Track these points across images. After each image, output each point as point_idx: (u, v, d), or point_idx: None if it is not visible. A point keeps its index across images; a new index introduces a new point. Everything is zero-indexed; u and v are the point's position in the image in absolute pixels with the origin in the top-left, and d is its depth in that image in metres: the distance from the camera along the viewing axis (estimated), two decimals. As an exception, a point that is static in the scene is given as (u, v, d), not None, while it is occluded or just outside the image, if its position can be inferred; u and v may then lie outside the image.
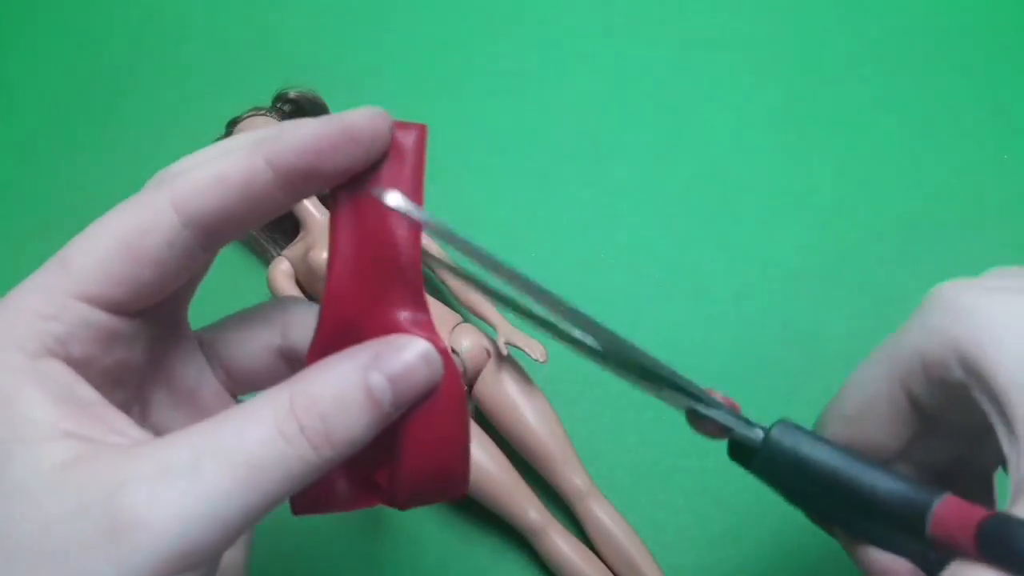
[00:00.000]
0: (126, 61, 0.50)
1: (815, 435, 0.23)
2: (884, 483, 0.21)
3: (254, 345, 0.23)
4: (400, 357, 0.19)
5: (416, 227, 0.20)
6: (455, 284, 0.39)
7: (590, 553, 0.35)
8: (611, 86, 0.49)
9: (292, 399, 0.17)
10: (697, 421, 0.24)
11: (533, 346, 0.37)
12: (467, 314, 0.40)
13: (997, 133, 0.47)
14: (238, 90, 0.47)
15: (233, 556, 0.22)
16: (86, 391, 0.18)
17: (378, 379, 0.18)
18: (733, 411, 0.23)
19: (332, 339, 0.20)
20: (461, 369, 0.20)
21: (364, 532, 0.37)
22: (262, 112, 0.42)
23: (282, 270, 0.40)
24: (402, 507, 0.21)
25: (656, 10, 0.52)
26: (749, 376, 0.40)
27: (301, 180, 0.19)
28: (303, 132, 0.18)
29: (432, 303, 0.39)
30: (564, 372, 0.41)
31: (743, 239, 0.44)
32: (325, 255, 0.38)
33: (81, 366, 0.18)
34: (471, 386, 0.38)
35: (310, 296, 0.39)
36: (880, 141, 0.47)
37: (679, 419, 0.40)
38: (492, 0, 0.52)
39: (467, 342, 0.37)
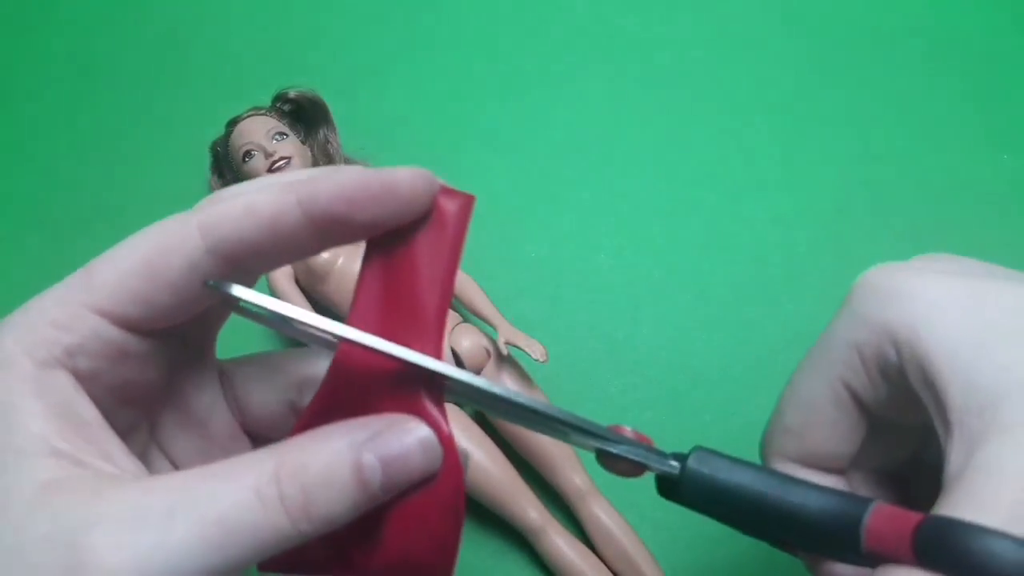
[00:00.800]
0: (125, 61, 0.50)
1: (733, 459, 0.21)
2: (812, 500, 0.20)
3: (269, 395, 0.22)
4: (399, 440, 0.18)
5: (447, 294, 0.19)
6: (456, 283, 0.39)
7: (590, 553, 0.35)
8: (611, 86, 0.49)
9: (278, 465, 0.17)
10: (608, 461, 0.22)
11: (533, 346, 0.37)
12: (467, 314, 0.40)
13: (997, 133, 0.47)
14: (238, 90, 0.47)
15: None
16: (86, 409, 0.18)
17: (371, 460, 0.17)
18: (645, 446, 0.22)
19: (333, 401, 0.19)
20: (465, 467, 0.19)
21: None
22: (262, 112, 0.42)
23: (282, 271, 0.40)
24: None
25: (656, 10, 0.52)
26: (749, 376, 0.40)
27: (330, 225, 0.18)
28: (339, 179, 0.18)
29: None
30: (564, 372, 0.41)
31: (743, 239, 0.44)
32: (326, 255, 0.38)
33: (87, 380, 0.18)
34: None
35: (309, 296, 0.39)
36: (880, 141, 0.47)
37: (679, 419, 0.40)
38: (493, 0, 0.52)
39: (467, 342, 0.37)
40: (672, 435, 0.40)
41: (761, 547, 0.38)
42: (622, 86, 0.49)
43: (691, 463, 0.21)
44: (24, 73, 0.50)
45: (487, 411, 0.21)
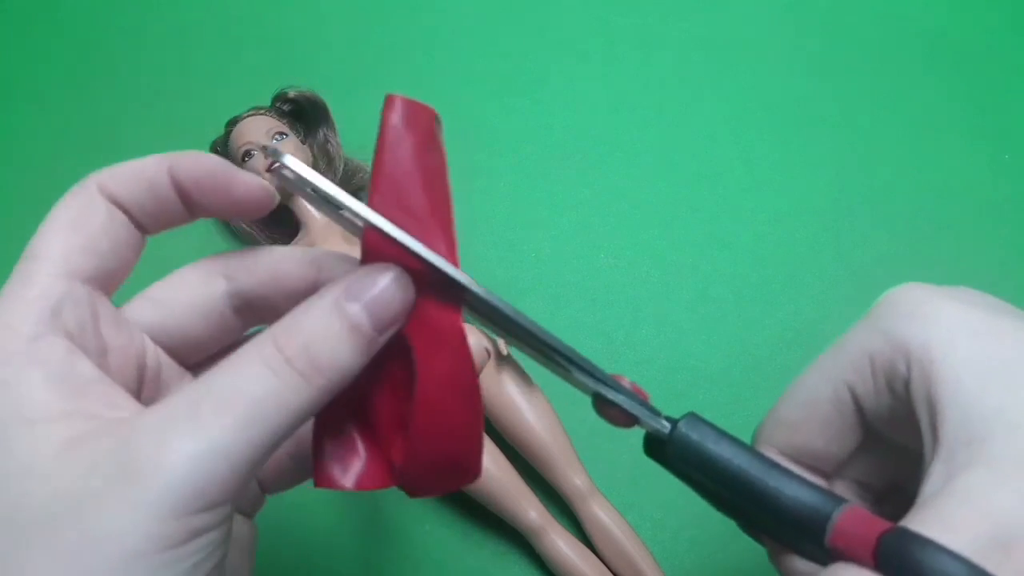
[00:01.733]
0: (125, 61, 0.50)
1: (723, 432, 0.22)
2: (789, 487, 0.20)
3: (193, 310, 0.22)
4: (373, 281, 0.19)
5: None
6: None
7: (590, 553, 0.35)
8: (611, 86, 0.49)
9: (274, 338, 0.18)
10: (603, 407, 0.23)
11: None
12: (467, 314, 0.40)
13: (998, 133, 0.47)
14: (238, 90, 0.47)
15: (236, 561, 0.22)
16: (85, 367, 0.19)
17: (354, 307, 0.19)
18: (641, 400, 0.22)
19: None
20: (478, 360, 0.20)
21: (363, 533, 0.37)
22: (262, 112, 0.42)
23: None
24: (411, 492, 0.21)
25: (656, 11, 0.52)
26: (749, 376, 0.40)
27: (186, 198, 0.21)
28: (200, 161, 0.21)
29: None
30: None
31: (743, 239, 0.44)
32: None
33: (80, 340, 0.19)
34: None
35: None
36: (880, 141, 0.47)
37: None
38: (493, 0, 0.52)
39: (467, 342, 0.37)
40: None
41: (761, 548, 0.38)
42: (622, 86, 0.49)
43: (682, 426, 0.22)
44: (24, 73, 0.50)
45: (496, 329, 0.22)
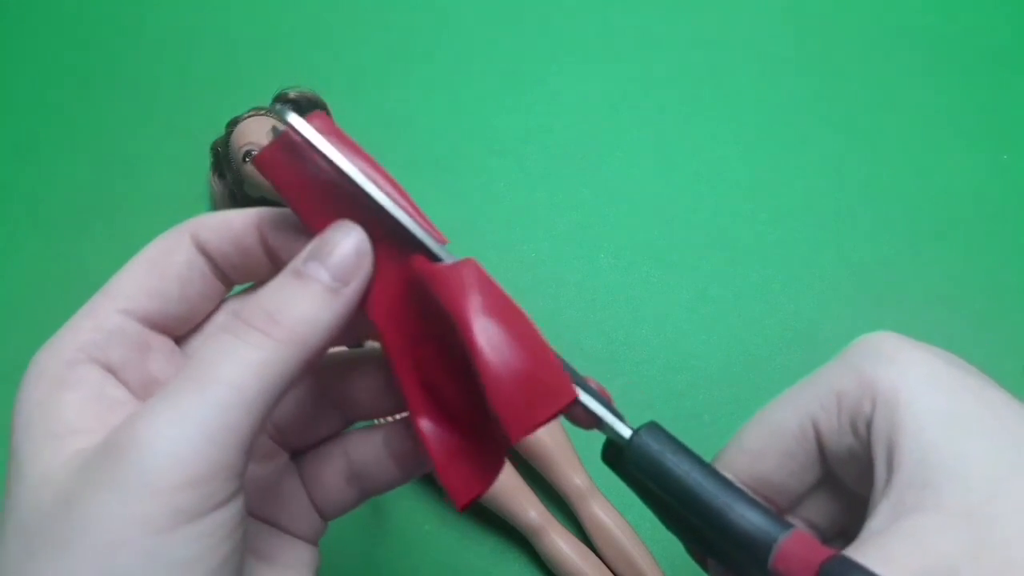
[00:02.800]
0: (126, 61, 0.50)
1: (682, 445, 0.22)
2: (739, 506, 0.20)
3: (175, 281, 0.22)
4: (326, 240, 0.20)
5: None
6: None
7: (590, 553, 0.35)
8: (611, 86, 0.49)
9: (237, 312, 0.19)
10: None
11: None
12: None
13: (997, 134, 0.47)
14: (238, 90, 0.47)
15: None
16: (118, 392, 0.19)
17: (305, 264, 0.19)
18: (606, 402, 0.22)
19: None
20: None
21: (364, 534, 0.37)
22: (262, 112, 0.42)
23: None
24: (515, 433, 0.19)
25: (656, 11, 0.52)
26: (749, 376, 0.40)
27: (286, 257, 0.21)
28: (290, 217, 0.21)
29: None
30: (564, 372, 0.41)
31: (743, 239, 0.44)
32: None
33: (120, 371, 0.20)
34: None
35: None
36: (880, 142, 0.47)
37: (679, 420, 0.40)
38: (492, 1, 0.52)
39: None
40: (673, 433, 0.40)
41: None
42: (622, 86, 0.49)
43: (642, 435, 0.21)
44: (24, 74, 0.50)
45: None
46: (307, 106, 0.43)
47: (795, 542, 0.19)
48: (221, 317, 0.22)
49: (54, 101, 0.49)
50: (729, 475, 0.23)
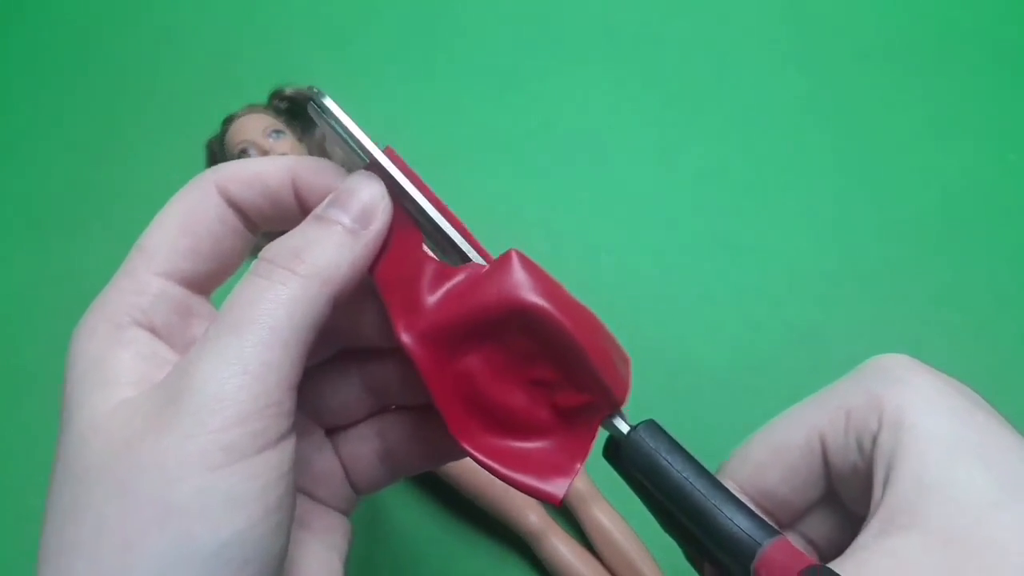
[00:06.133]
0: (122, 58, 0.50)
1: (679, 444, 0.22)
2: (727, 509, 0.21)
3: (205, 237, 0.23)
4: (345, 187, 0.21)
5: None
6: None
7: (591, 556, 0.35)
8: (611, 86, 0.49)
9: (264, 254, 0.20)
10: None
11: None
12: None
13: (1003, 133, 0.47)
14: (235, 87, 0.47)
15: (326, 554, 0.23)
16: (169, 354, 0.20)
17: (326, 209, 0.20)
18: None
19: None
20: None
21: (364, 536, 0.37)
22: (258, 109, 0.42)
23: None
24: (622, 395, 0.21)
25: (656, 11, 0.52)
26: (751, 377, 0.40)
27: (315, 204, 0.21)
28: (326, 167, 0.22)
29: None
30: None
31: (744, 240, 0.44)
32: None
33: (165, 336, 0.20)
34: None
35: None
36: (884, 142, 0.47)
37: (679, 421, 0.40)
38: (492, 0, 0.52)
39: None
40: (674, 434, 0.40)
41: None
42: (622, 86, 0.49)
43: (639, 431, 0.22)
44: (18, 72, 0.50)
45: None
46: (303, 103, 0.43)
47: (778, 549, 0.20)
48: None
49: (48, 99, 0.49)
50: (731, 484, 0.23)
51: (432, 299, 0.21)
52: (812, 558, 0.19)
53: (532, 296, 0.20)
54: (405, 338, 0.20)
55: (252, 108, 0.42)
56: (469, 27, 0.51)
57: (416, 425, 0.24)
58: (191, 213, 0.21)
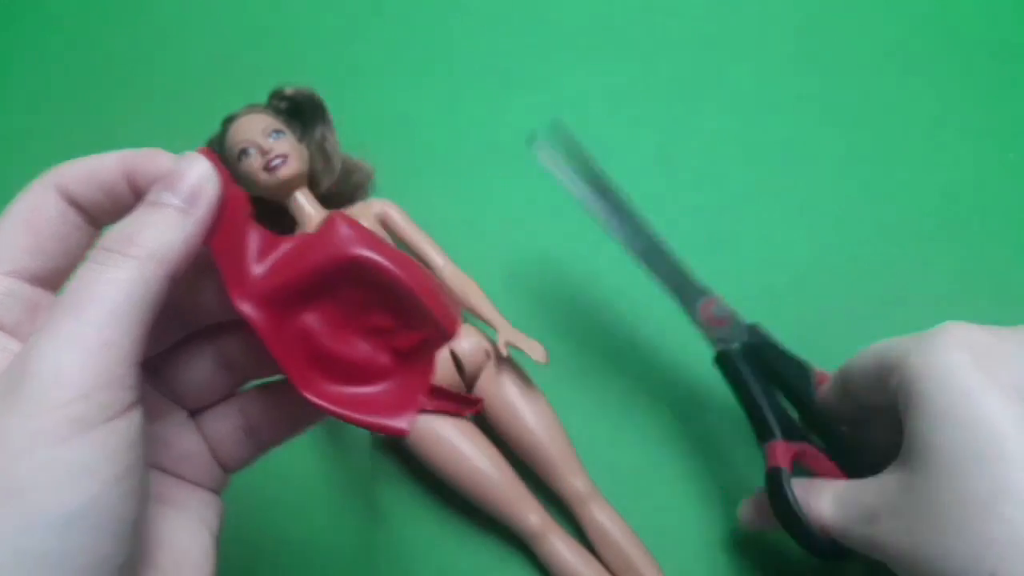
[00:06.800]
0: (122, 58, 0.50)
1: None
2: (774, 410, 0.35)
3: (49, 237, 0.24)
4: (176, 171, 0.21)
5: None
6: (453, 284, 0.39)
7: (591, 557, 0.35)
8: (611, 86, 0.49)
9: (98, 244, 0.20)
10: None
11: (534, 347, 0.36)
12: (467, 315, 0.39)
13: (1003, 132, 0.47)
14: (234, 87, 0.47)
15: (197, 534, 0.24)
16: (15, 346, 0.21)
17: (157, 193, 0.21)
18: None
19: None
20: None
21: (363, 537, 0.37)
22: (258, 109, 0.42)
23: None
24: (453, 329, 0.23)
25: (656, 10, 0.52)
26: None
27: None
28: (160, 158, 0.22)
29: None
30: (565, 374, 0.40)
31: (746, 240, 0.44)
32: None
33: (14, 331, 0.21)
34: (471, 387, 0.37)
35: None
36: (884, 141, 0.47)
37: (680, 421, 0.40)
38: (492, 0, 0.52)
39: (467, 343, 0.37)
40: (675, 435, 0.40)
41: (764, 553, 0.37)
42: (622, 85, 0.49)
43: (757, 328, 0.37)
44: (17, 72, 0.50)
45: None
46: (304, 103, 0.43)
47: (780, 445, 0.33)
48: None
49: (47, 98, 0.49)
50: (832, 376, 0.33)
51: (264, 265, 0.22)
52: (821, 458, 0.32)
53: (358, 248, 0.22)
54: (240, 304, 0.22)
55: (252, 108, 0.42)
56: (469, 27, 0.51)
57: (274, 397, 0.25)
58: (32, 213, 0.22)
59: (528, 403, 0.36)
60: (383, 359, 0.23)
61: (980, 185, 0.46)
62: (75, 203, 0.22)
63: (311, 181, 0.42)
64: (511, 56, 0.50)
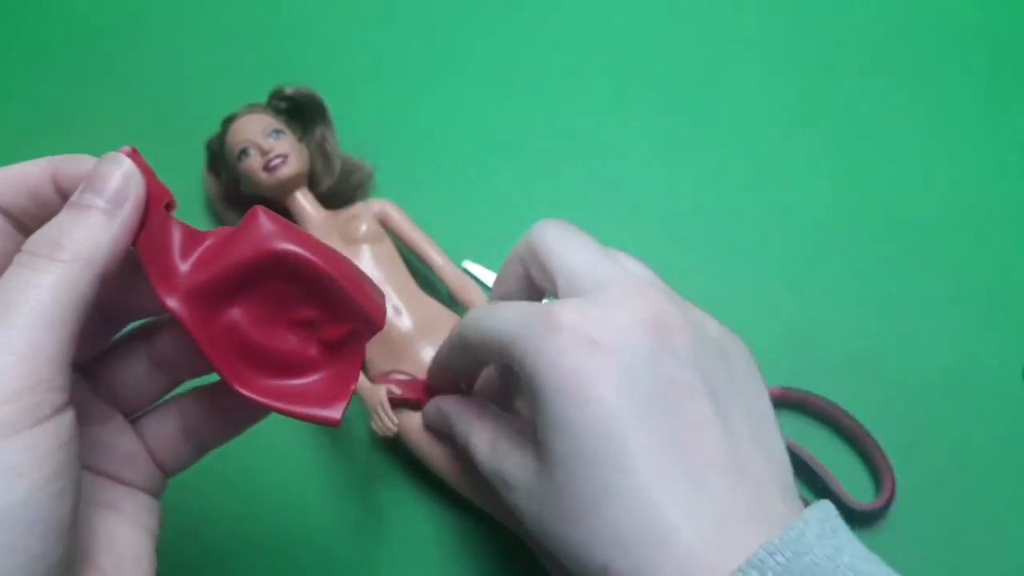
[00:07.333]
0: (123, 58, 0.50)
1: None
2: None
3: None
4: (100, 173, 0.21)
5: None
6: (453, 284, 0.39)
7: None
8: (611, 86, 0.49)
9: (23, 248, 0.20)
10: None
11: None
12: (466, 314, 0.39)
13: (1002, 133, 0.47)
14: (234, 87, 0.47)
15: (136, 538, 0.24)
16: None
17: (82, 195, 0.21)
18: None
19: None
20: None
21: (363, 535, 0.37)
22: (258, 109, 0.42)
23: None
24: (381, 320, 0.24)
25: (657, 11, 0.52)
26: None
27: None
28: (84, 162, 0.22)
29: (429, 303, 0.39)
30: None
31: (745, 240, 0.44)
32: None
33: None
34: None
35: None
36: (887, 142, 0.47)
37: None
38: (492, 0, 0.52)
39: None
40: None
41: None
42: (622, 85, 0.49)
43: None
44: (18, 71, 0.50)
45: None
46: (304, 102, 0.43)
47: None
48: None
49: (48, 98, 0.49)
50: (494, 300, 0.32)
51: (189, 261, 0.22)
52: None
53: (281, 242, 0.22)
54: (168, 301, 0.22)
55: (252, 108, 0.42)
56: (469, 27, 0.51)
57: (212, 398, 0.25)
58: None
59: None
60: (311, 351, 0.24)
61: (980, 186, 0.46)
62: (3, 210, 0.22)
63: (311, 181, 0.42)
64: (511, 56, 0.50)
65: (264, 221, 0.22)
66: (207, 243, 0.23)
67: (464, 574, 0.36)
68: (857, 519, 0.36)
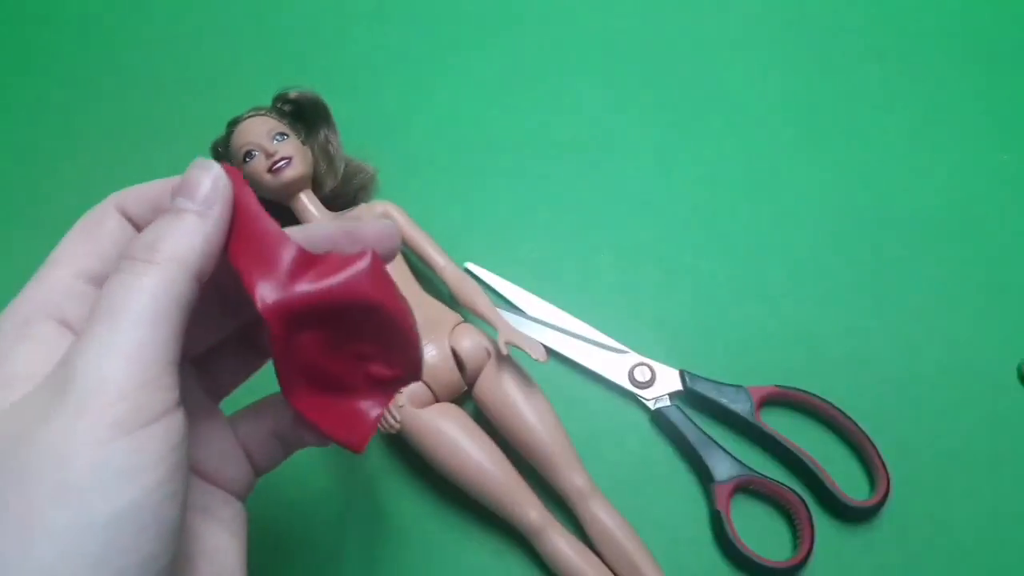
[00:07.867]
0: (126, 61, 0.50)
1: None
2: None
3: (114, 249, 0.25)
4: (190, 178, 0.22)
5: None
6: (455, 284, 0.39)
7: (591, 553, 0.35)
8: (611, 86, 0.49)
9: (123, 254, 0.21)
10: None
11: (533, 346, 0.36)
12: (467, 314, 0.40)
13: (996, 133, 0.48)
14: (239, 90, 0.47)
15: (225, 542, 0.24)
16: (68, 340, 0.21)
17: (175, 201, 0.22)
18: None
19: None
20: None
21: (364, 533, 0.37)
22: (262, 112, 0.42)
23: None
24: (419, 373, 0.25)
25: (656, 11, 0.52)
26: (749, 379, 0.40)
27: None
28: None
29: (431, 304, 0.39)
30: (564, 372, 0.41)
31: (744, 240, 0.44)
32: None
33: (75, 324, 0.22)
34: (471, 386, 0.38)
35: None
36: (881, 141, 0.47)
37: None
38: (492, 1, 0.52)
39: (467, 342, 0.37)
40: (672, 435, 0.40)
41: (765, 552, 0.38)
42: (622, 85, 0.49)
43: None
44: (24, 74, 0.50)
45: None
46: (307, 105, 0.43)
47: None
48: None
49: (53, 101, 0.49)
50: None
51: (292, 278, 0.23)
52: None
53: (385, 295, 0.23)
54: (263, 308, 0.22)
55: (256, 111, 0.42)
56: (469, 28, 0.51)
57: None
58: (92, 225, 0.23)
59: (528, 401, 0.37)
60: (356, 379, 0.25)
61: (974, 186, 0.46)
62: (130, 218, 0.24)
63: (315, 183, 0.42)
64: (512, 59, 0.50)
65: (375, 267, 0.23)
66: (315, 267, 0.23)
67: (465, 571, 0.37)
68: (852, 516, 0.37)
